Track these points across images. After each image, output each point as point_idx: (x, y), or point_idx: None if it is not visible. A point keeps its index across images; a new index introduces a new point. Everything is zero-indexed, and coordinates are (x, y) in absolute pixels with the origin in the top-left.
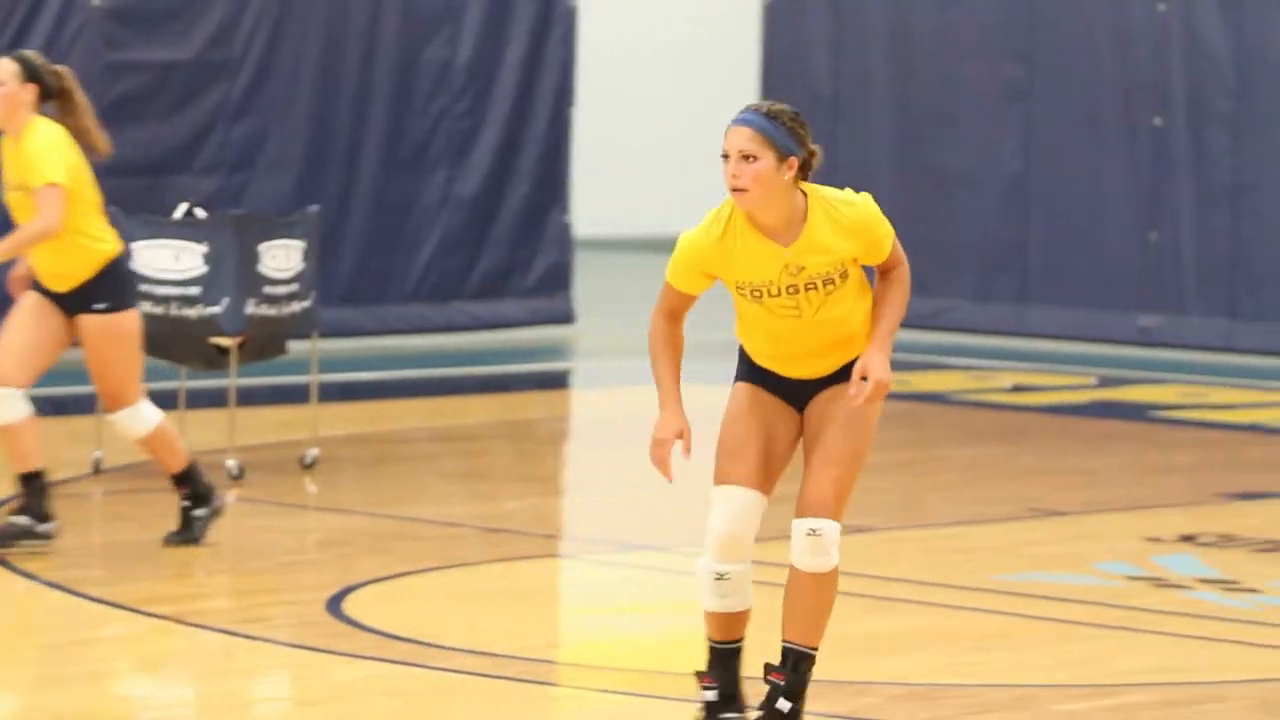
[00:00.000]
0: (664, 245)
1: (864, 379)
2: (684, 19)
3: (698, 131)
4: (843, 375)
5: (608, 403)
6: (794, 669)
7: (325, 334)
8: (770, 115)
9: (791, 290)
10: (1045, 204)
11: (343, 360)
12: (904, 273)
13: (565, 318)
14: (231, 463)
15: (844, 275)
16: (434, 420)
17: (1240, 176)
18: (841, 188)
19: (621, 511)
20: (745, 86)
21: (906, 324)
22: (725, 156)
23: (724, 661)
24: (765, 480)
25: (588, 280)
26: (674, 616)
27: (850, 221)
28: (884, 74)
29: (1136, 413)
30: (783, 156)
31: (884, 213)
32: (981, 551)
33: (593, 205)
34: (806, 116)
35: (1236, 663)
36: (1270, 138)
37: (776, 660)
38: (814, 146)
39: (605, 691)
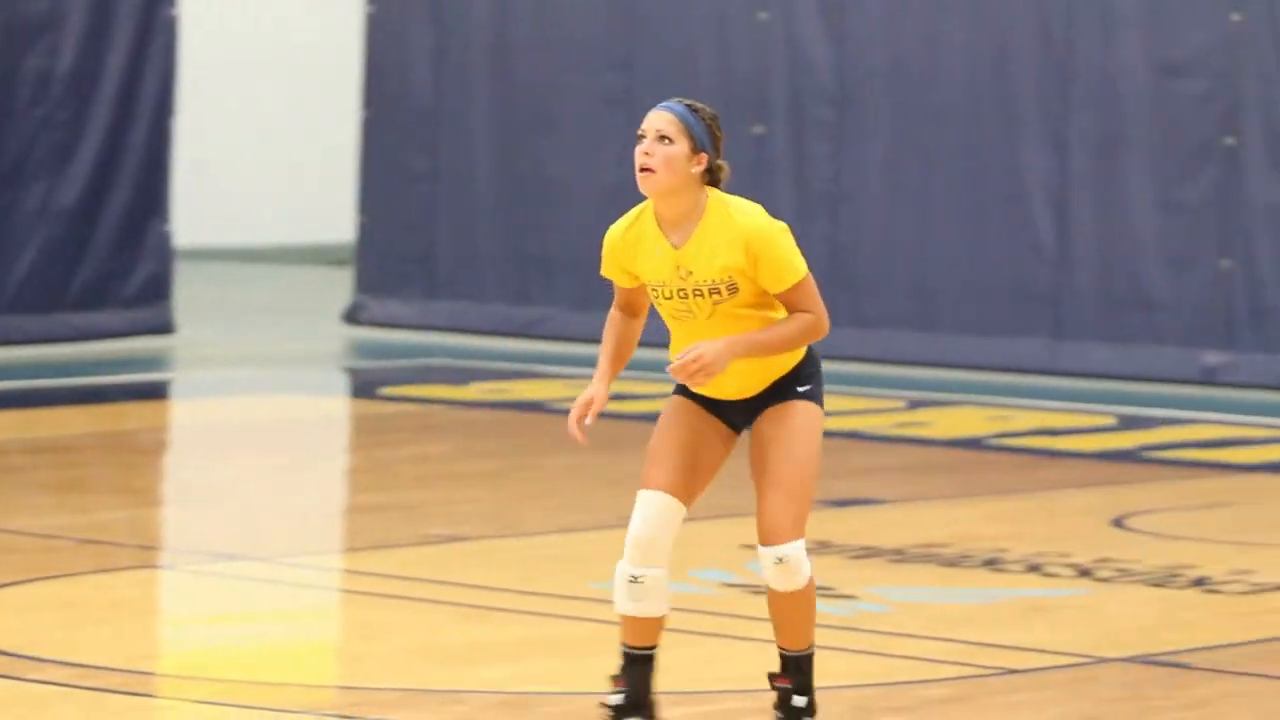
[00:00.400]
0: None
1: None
2: (287, 29)
3: (300, 143)
4: (777, 396)
5: (207, 413)
6: (796, 670)
7: None
8: (692, 109)
9: (681, 294)
10: None
11: None
12: (807, 320)
13: (165, 328)
14: None
15: (732, 288)
16: (28, 432)
17: (839, 185)
18: (440, 197)
19: (221, 522)
20: (347, 97)
21: (503, 331)
22: (641, 136)
23: (634, 666)
24: (685, 489)
25: (188, 290)
26: (272, 626)
27: (738, 230)
28: (484, 84)
29: None
30: (696, 149)
31: (487, 222)
32: (577, 559)
33: (194, 215)
34: (409, 127)
35: (832, 669)
36: (869, 147)
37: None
38: (723, 161)
39: (203, 702)
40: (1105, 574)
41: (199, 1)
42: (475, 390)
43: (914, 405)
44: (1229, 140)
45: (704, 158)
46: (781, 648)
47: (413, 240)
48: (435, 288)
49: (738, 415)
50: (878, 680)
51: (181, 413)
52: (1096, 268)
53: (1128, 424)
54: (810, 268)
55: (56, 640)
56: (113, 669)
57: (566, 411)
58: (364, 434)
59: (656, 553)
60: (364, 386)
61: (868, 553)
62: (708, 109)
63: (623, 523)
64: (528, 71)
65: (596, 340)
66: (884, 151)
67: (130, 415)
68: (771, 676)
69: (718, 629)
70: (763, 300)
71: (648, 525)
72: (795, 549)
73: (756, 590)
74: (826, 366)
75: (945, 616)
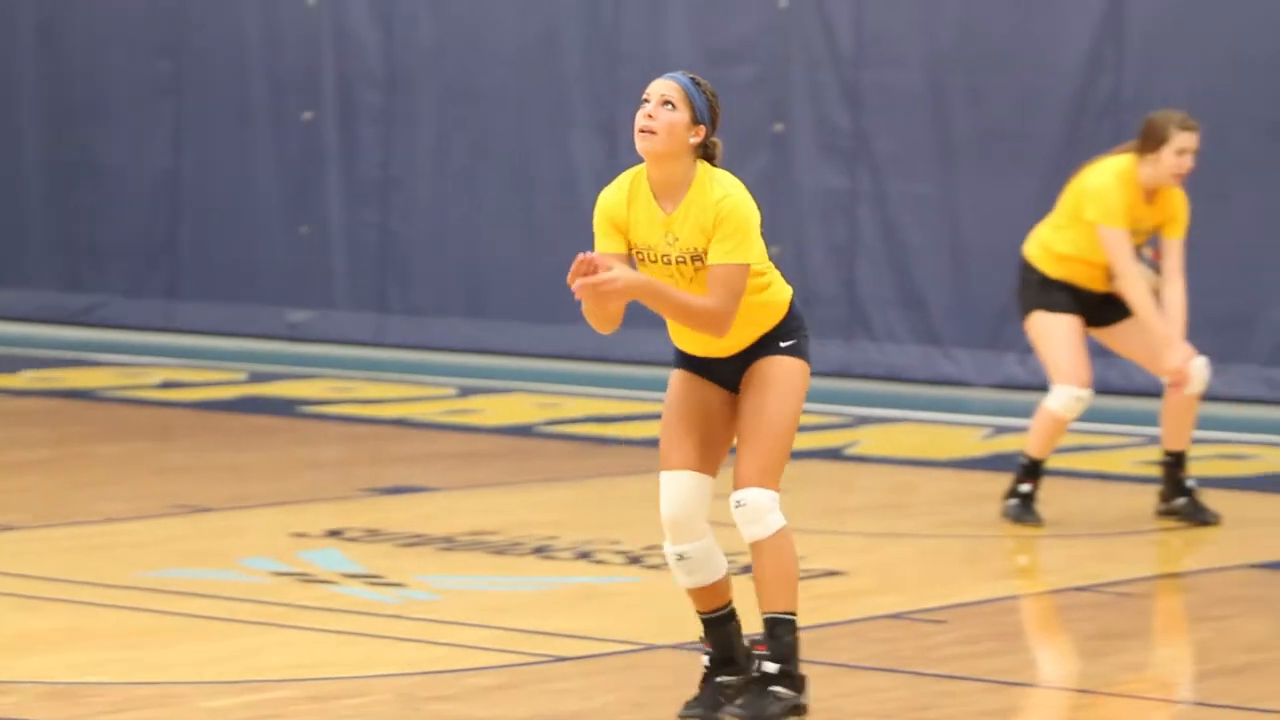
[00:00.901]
0: None
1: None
2: None
3: None
4: (761, 348)
5: None
6: (771, 636)
7: None
8: (695, 82)
9: (666, 260)
10: (196, 199)
11: None
12: (709, 304)
13: None
14: None
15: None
16: None
17: (389, 171)
18: None
19: None
20: None
21: (54, 319)
22: (645, 100)
23: (713, 628)
24: (704, 461)
25: None
26: None
27: (714, 199)
28: (31, 70)
29: (286, 408)
30: (695, 120)
31: (37, 208)
32: (127, 548)
33: None
34: None
35: (380, 657)
36: (418, 132)
37: None
38: (718, 139)
39: None
40: (655, 561)
41: None
42: (25, 378)
43: (465, 393)
44: (778, 127)
45: (702, 130)
46: (761, 612)
47: None
48: None
49: (731, 375)
50: (425, 669)
51: None
52: None
53: None
54: (360, 255)
55: None
56: None
57: (119, 400)
58: None
59: (692, 528)
60: None
61: (417, 540)
62: (709, 86)
63: (169, 511)
64: (76, 58)
65: (149, 328)
66: (432, 136)
67: None
68: (752, 643)
69: (268, 618)
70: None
71: (674, 505)
72: (754, 494)
73: (307, 579)
74: (375, 354)
75: (494, 604)
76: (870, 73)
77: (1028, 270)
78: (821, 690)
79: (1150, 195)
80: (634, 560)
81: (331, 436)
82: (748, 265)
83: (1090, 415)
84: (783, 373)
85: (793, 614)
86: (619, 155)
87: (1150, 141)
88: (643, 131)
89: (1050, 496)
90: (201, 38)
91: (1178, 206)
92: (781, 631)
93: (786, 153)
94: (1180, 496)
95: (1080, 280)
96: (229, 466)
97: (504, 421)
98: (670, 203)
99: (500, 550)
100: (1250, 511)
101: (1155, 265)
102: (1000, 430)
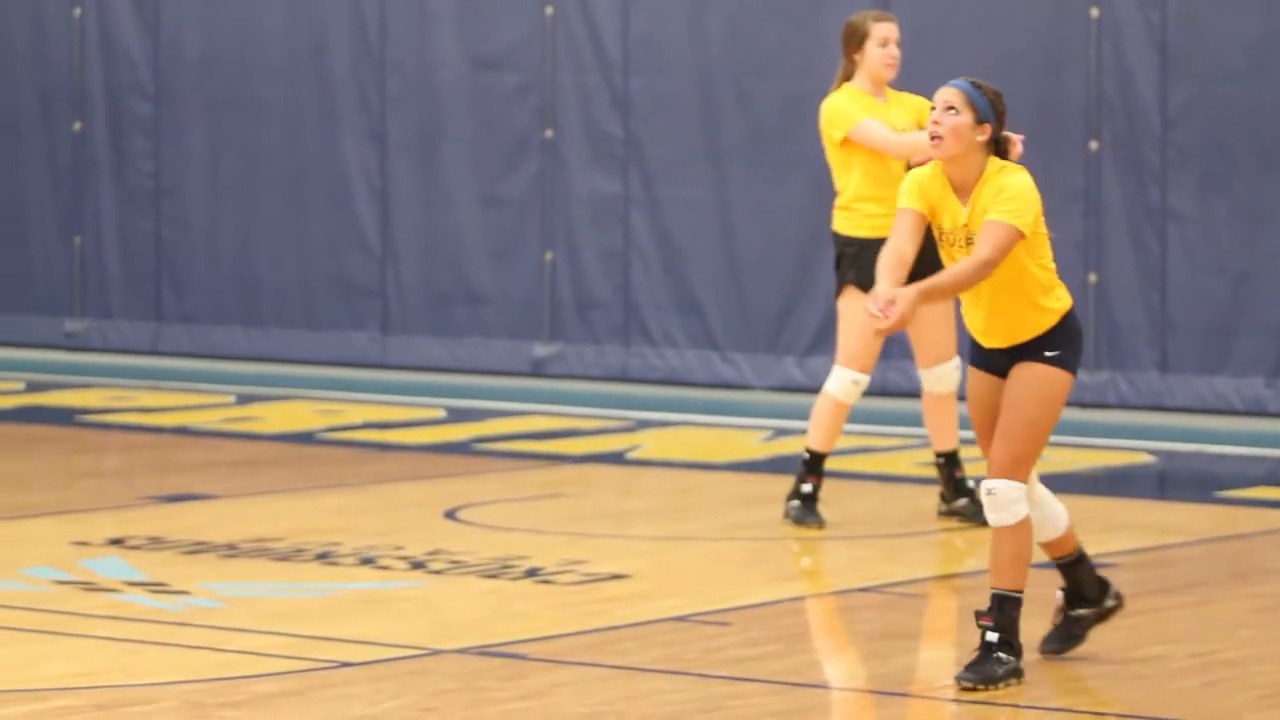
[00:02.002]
0: None
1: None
2: None
3: None
4: (1029, 353)
5: None
6: (999, 610)
7: None
8: (976, 84)
9: (968, 241)
10: None
11: None
12: (976, 258)
13: None
14: None
15: None
16: None
17: (161, 180)
18: None
19: None
20: None
21: None
22: (932, 108)
23: (1067, 571)
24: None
25: None
26: None
27: (1000, 184)
28: None
29: (65, 417)
30: (979, 120)
31: None
32: None
33: None
34: None
35: (166, 664)
36: (188, 139)
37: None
38: (1009, 133)
39: None
40: (439, 566)
41: None
42: None
43: (243, 400)
44: (548, 133)
45: (988, 128)
46: (992, 588)
47: None
48: None
49: (1005, 364)
50: (211, 675)
51: None
52: (422, 262)
53: (458, 417)
54: (136, 264)
55: None
56: None
57: None
58: None
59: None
60: None
61: (200, 548)
62: (991, 87)
63: (21, 513)
64: None
65: None
66: (204, 145)
67: None
68: (977, 614)
69: (50, 626)
70: (1022, 250)
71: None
72: (1004, 485)
73: (89, 587)
74: (153, 362)
75: (278, 611)
76: (638, 79)
77: (839, 244)
78: (607, 693)
79: (878, 93)
80: (417, 565)
81: (112, 445)
82: (1017, 229)
83: (871, 417)
84: (1045, 380)
85: (1020, 592)
86: (390, 161)
87: (852, 43)
88: (933, 139)
89: (832, 498)
90: None
91: (917, 102)
92: (1008, 607)
93: (557, 158)
94: (961, 497)
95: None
96: (8, 475)
97: (284, 429)
98: (965, 196)
99: (283, 557)
100: None
101: None
102: (780, 433)
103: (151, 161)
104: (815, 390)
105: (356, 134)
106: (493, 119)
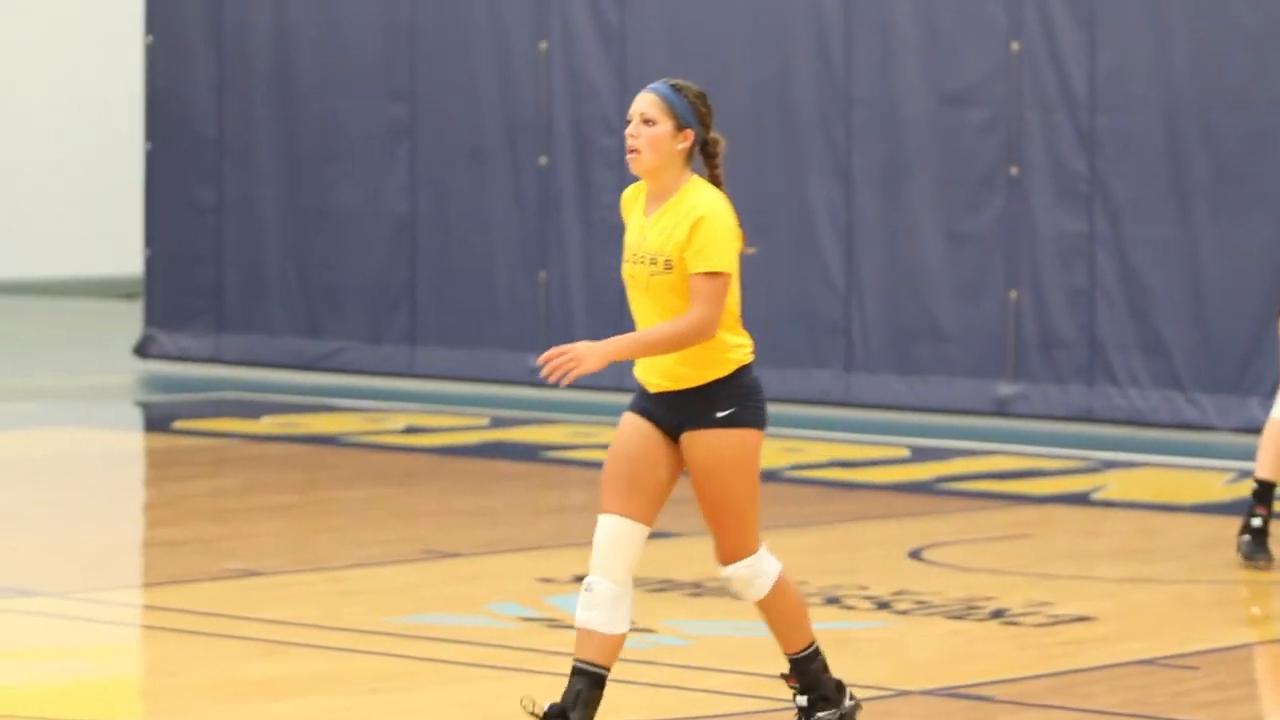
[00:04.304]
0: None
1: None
2: (65, 57)
3: (83, 175)
4: (697, 421)
5: None
6: (799, 672)
7: None
8: (675, 88)
9: (635, 259)
10: (434, 243)
11: None
12: (692, 318)
13: None
14: None
15: (669, 265)
16: None
17: (619, 215)
18: (227, 229)
19: (14, 556)
20: (131, 128)
21: (297, 364)
22: (628, 121)
23: (579, 677)
24: (641, 509)
25: None
26: (71, 662)
27: (691, 206)
28: (267, 113)
29: (529, 453)
30: (680, 127)
31: (275, 254)
32: (374, 594)
33: None
34: (193, 158)
35: (632, 702)
36: None
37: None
38: (717, 134)
39: None
40: (904, 606)
41: None
42: (268, 424)
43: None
44: (1013, 170)
45: (689, 134)
46: (785, 654)
47: (201, 273)
48: (225, 321)
49: (671, 421)
50: (675, 714)
51: None
52: (886, 299)
53: (922, 456)
54: (602, 299)
55: None
56: None
57: (361, 445)
58: (157, 468)
59: (611, 569)
60: (156, 420)
61: (665, 586)
62: (693, 87)
63: (418, 557)
64: (311, 101)
65: (391, 373)
66: None
67: None
68: (784, 677)
69: (515, 663)
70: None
71: (599, 550)
72: (735, 569)
73: (555, 624)
74: (614, 399)
75: (743, 650)
76: (1104, 116)
77: None
78: None
79: None
80: (882, 605)
81: (576, 481)
82: (723, 272)
83: None
84: (729, 454)
85: (810, 645)
86: (855, 196)
87: None
88: (630, 152)
89: None
90: (435, 81)
91: None
92: (804, 665)
93: (1023, 195)
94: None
95: None
96: (474, 511)
97: None
98: (655, 207)
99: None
100: None
101: None
102: (1244, 475)
103: (615, 195)
104: None
105: (822, 169)
106: (958, 154)
